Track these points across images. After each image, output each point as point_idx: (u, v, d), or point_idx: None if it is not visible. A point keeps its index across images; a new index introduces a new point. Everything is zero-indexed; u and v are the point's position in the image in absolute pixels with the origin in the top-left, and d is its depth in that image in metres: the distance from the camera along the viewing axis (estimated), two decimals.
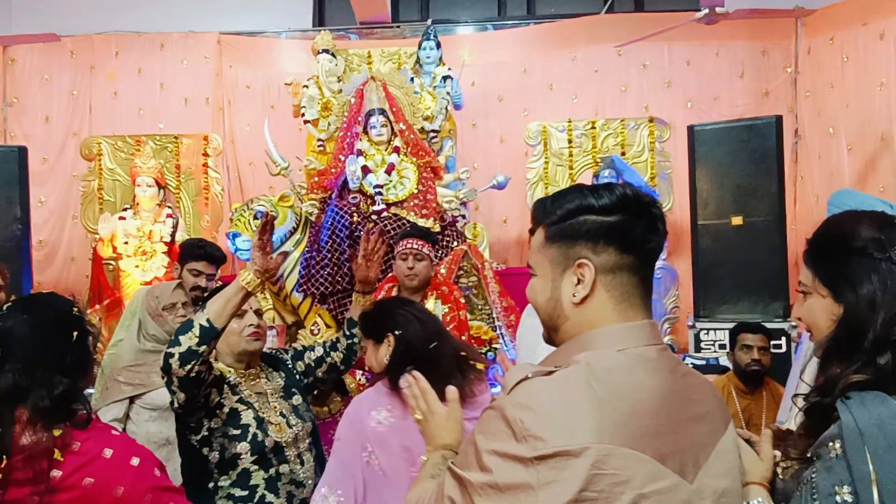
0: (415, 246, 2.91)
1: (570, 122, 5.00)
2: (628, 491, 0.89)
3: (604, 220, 0.99)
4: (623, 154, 4.85)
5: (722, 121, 4.76)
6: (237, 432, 1.89)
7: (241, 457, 1.87)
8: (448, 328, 2.50)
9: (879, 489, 0.96)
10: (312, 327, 3.99)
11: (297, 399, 2.08)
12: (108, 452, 1.37)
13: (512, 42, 5.97)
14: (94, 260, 4.78)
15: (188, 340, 1.72)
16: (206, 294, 2.32)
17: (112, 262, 4.65)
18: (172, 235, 4.71)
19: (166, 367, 1.73)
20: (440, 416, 1.32)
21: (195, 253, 3.00)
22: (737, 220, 4.37)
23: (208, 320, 1.74)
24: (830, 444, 1.02)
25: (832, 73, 5.15)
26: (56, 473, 1.30)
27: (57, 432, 1.32)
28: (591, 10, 5.99)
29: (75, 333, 1.44)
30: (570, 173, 4.93)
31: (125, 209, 4.82)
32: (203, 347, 1.72)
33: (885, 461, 0.96)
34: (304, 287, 3.99)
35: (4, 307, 1.47)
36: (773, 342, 3.46)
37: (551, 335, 1.07)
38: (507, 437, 0.92)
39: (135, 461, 1.41)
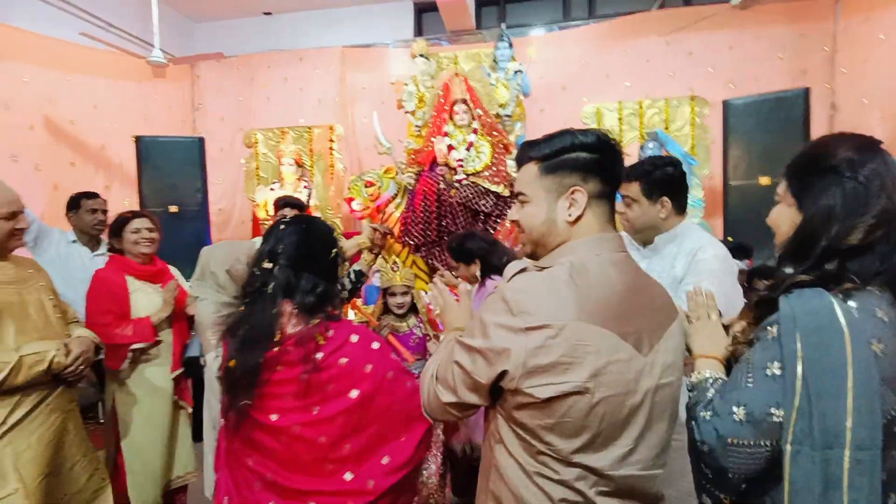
0: None
1: (620, 102, 4.92)
2: (596, 358, 0.96)
3: (591, 157, 1.04)
4: (666, 129, 4.73)
5: (753, 94, 4.50)
6: None
7: None
8: None
9: (803, 363, 0.94)
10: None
11: None
12: (354, 338, 1.34)
13: (574, 39, 5.79)
14: (254, 221, 5.14)
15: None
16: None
17: (267, 222, 4.87)
18: (308, 202, 4.99)
19: None
20: (453, 307, 1.34)
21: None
22: (764, 181, 4.19)
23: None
24: (769, 328, 1.00)
25: (867, 50, 4.70)
26: (318, 355, 1.29)
27: (315, 321, 1.32)
28: (643, 7, 5.73)
29: (334, 251, 1.46)
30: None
31: (274, 183, 5.15)
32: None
33: (811, 341, 0.94)
34: (403, 239, 4.20)
35: (288, 217, 1.44)
36: None
37: (538, 250, 1.11)
38: (505, 312, 0.98)
39: (375, 345, 1.37)
